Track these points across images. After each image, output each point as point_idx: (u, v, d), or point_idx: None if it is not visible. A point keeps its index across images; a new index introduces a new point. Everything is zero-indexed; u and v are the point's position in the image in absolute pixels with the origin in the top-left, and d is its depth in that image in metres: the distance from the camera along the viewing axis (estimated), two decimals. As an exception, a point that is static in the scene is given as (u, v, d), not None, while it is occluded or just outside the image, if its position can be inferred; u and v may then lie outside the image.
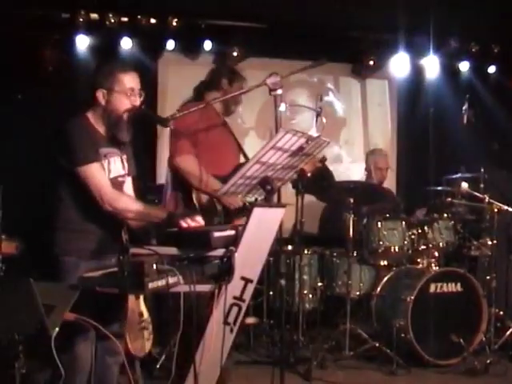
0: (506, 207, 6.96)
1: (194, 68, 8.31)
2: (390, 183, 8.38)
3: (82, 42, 7.98)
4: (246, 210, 5.02)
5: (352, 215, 6.63)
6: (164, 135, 7.19)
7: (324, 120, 4.95)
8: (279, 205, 3.90)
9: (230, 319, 3.78)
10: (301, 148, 3.75)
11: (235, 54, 8.31)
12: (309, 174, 5.92)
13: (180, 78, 8.40)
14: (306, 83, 8.99)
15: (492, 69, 9.43)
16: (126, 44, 8.10)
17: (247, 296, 3.77)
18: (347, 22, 8.40)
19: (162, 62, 8.57)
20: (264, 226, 3.74)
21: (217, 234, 3.50)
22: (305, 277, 6.90)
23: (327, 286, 7.07)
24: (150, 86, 4.06)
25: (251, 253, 3.64)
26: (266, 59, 8.43)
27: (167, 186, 5.21)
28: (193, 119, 4.86)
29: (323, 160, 6.17)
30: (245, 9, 7.96)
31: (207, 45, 8.35)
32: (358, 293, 6.92)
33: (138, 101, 4.00)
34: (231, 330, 3.82)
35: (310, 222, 7.44)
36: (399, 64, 9.10)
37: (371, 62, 9.03)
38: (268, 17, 8.23)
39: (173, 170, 5.07)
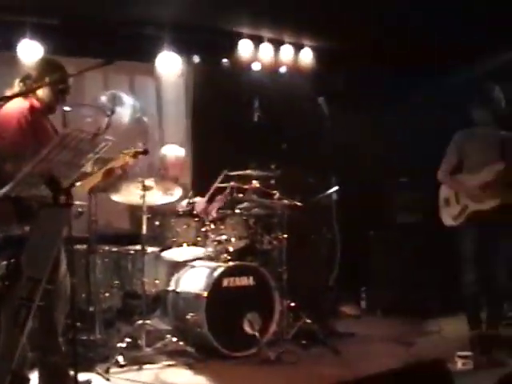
0: (295, 202, 7.24)
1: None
2: (184, 180, 8.46)
3: None
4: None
5: (146, 212, 6.61)
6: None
7: (109, 119, 4.98)
8: (66, 204, 3.86)
9: (19, 320, 3.71)
10: (84, 146, 3.75)
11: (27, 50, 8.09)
12: (119, 171, 5.93)
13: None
14: (101, 81, 8.90)
15: (283, 69, 9.72)
16: None
17: (36, 296, 3.71)
18: (141, 19, 8.39)
19: None
20: (51, 226, 3.70)
21: (3, 235, 3.44)
22: (100, 275, 6.84)
23: (123, 284, 7.02)
24: None
25: (38, 252, 3.59)
26: (59, 57, 8.26)
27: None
28: None
29: (145, 153, 6.21)
30: (35, 2, 7.74)
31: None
32: (153, 289, 6.95)
33: None
34: (21, 332, 3.75)
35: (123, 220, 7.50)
36: (195, 63, 9.20)
37: (166, 60, 9.05)
38: (60, 12, 8.04)
39: None
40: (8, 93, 4.86)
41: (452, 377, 3.28)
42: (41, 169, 3.64)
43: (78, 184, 5.20)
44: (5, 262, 3.51)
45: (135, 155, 6.12)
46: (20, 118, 4.71)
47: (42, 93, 4.94)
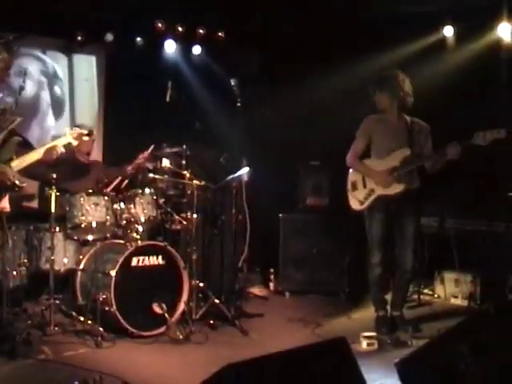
0: (204, 183, 7.28)
1: None
2: (96, 158, 8.43)
3: None
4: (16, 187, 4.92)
5: (55, 191, 6.54)
6: None
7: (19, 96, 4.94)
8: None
9: None
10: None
11: None
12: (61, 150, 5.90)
13: None
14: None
15: (197, 49, 9.73)
16: None
17: None
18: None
19: None
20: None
21: None
22: (8, 253, 6.72)
23: (32, 262, 6.93)
24: None
25: None
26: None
27: None
28: None
29: (89, 134, 6.19)
30: None
31: None
32: (62, 268, 6.91)
33: None
34: None
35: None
36: (108, 41, 9.13)
37: (79, 38, 8.97)
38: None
39: None
40: None
41: (353, 355, 3.37)
42: None
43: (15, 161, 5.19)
44: None
45: (79, 136, 6.10)
46: None
47: None
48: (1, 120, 3.76)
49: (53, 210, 6.51)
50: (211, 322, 6.98)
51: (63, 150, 5.84)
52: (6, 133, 4.05)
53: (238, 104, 7.24)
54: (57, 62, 9.29)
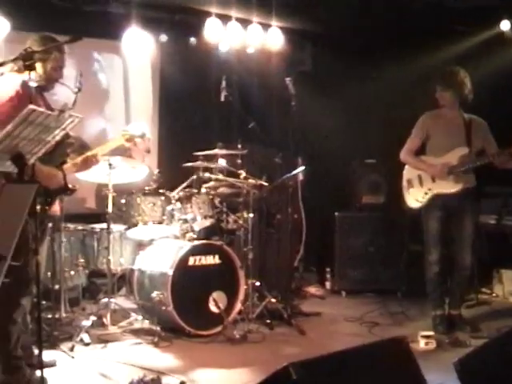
0: (261, 182, 7.26)
1: None
2: (151, 158, 8.45)
3: None
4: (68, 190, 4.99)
5: (112, 191, 6.60)
6: None
7: (77, 96, 4.98)
8: (31, 181, 3.85)
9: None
10: (51, 123, 3.74)
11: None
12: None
13: None
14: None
15: (251, 49, 9.71)
16: None
17: (0, 273, 3.70)
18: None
19: None
20: (16, 202, 3.68)
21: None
22: (66, 253, 6.80)
23: (89, 263, 7.02)
24: None
25: (3, 229, 3.58)
26: (24, 33, 8.18)
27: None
28: None
29: (142, 136, 6.25)
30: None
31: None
32: (119, 268, 6.97)
33: None
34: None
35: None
36: (162, 42, 9.17)
37: (134, 39, 9.00)
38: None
39: None
40: (7, 68, 4.87)
41: (413, 355, 3.32)
42: (6, 145, 3.62)
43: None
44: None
45: (131, 138, 6.16)
46: (11, 92, 4.74)
47: (39, 68, 4.92)
48: (59, 120, 3.78)
49: (110, 210, 6.58)
50: (268, 321, 6.96)
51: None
52: (63, 134, 4.07)
53: (293, 102, 7.21)
54: (111, 64, 9.35)
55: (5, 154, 3.67)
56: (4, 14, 7.88)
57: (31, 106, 3.52)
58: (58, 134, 3.98)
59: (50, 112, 3.65)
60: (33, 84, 4.73)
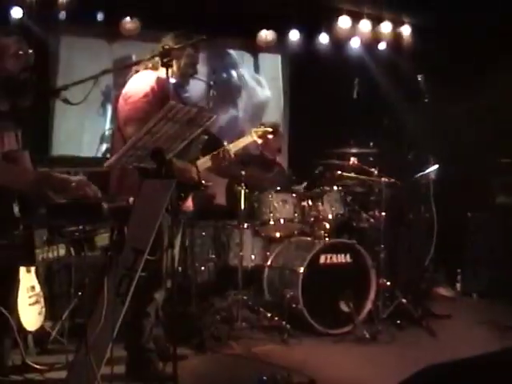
0: (393, 180, 7.15)
1: (86, 39, 8.25)
2: (282, 156, 8.47)
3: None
4: (202, 186, 5.08)
5: (244, 187, 6.65)
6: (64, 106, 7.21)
7: (214, 93, 5.00)
8: (169, 176, 3.89)
9: (122, 290, 3.76)
10: (192, 119, 3.77)
11: (128, 25, 8.24)
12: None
13: (72, 49, 8.32)
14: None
15: (382, 45, 9.61)
16: (17, 13, 7.91)
17: (138, 267, 3.76)
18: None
19: (54, 32, 8.40)
20: (154, 198, 3.73)
21: (108, 206, 3.47)
22: (197, 248, 6.88)
23: (219, 258, 7.10)
24: (40, 56, 3.96)
25: (142, 224, 3.63)
26: (158, 31, 8.34)
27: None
28: None
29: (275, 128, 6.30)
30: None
31: (100, 16, 8.24)
32: (250, 264, 6.96)
33: (29, 60, 3.89)
34: (122, 302, 3.81)
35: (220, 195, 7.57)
36: (292, 39, 9.19)
37: (265, 37, 9.06)
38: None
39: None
40: (142, 66, 4.98)
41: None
42: (146, 141, 3.66)
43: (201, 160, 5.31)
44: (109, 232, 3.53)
45: (263, 135, 6.20)
46: (146, 89, 4.86)
47: (174, 65, 5.00)
48: (199, 117, 3.81)
49: (242, 206, 6.61)
50: (398, 321, 6.85)
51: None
52: (200, 130, 4.10)
53: (426, 100, 7.08)
54: (243, 62, 9.42)
55: (145, 149, 3.71)
56: (134, 13, 8.08)
57: (172, 103, 3.54)
58: (196, 131, 4.01)
59: (190, 108, 3.66)
60: (172, 80, 4.78)
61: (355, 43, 9.45)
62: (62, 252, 3.21)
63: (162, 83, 4.86)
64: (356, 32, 9.33)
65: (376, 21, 9.30)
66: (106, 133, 8.78)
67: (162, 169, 3.77)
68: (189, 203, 5.38)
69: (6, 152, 3.86)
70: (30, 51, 3.93)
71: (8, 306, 3.84)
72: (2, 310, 3.61)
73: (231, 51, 9.33)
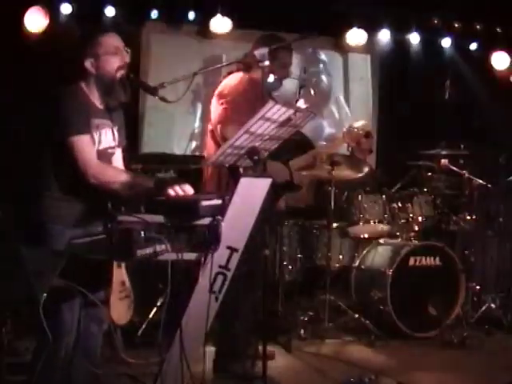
0: (484, 183, 7.05)
1: (177, 37, 8.35)
2: (371, 156, 8.41)
3: (66, 11, 7.90)
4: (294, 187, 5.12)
5: (333, 188, 6.63)
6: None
7: (312, 92, 5.00)
8: (265, 175, 3.91)
9: (216, 288, 3.79)
10: (288, 119, 3.78)
11: (219, 25, 8.31)
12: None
13: (163, 48, 8.43)
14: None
15: (474, 46, 9.46)
16: (110, 12, 8.06)
17: (232, 265, 3.79)
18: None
19: (146, 31, 8.52)
20: (250, 196, 3.76)
21: (204, 203, 3.50)
22: (285, 248, 6.88)
23: (307, 258, 7.05)
24: (133, 54, 4.02)
25: (237, 222, 3.65)
26: (251, 30, 8.39)
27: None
28: None
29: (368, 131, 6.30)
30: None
31: (191, 15, 8.34)
32: (337, 265, 6.95)
33: (126, 58, 3.95)
34: (216, 299, 3.84)
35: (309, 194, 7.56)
36: (382, 39, 9.12)
37: (354, 36, 9.01)
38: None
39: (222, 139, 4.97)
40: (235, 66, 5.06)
41: None
42: (243, 141, 3.69)
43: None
44: (204, 230, 3.56)
45: (356, 137, 6.19)
46: (241, 89, 4.95)
47: (268, 67, 5.04)
48: (295, 118, 3.82)
49: (332, 206, 6.60)
50: (486, 327, 6.74)
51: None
52: (295, 131, 4.12)
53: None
54: (332, 61, 9.39)
55: (241, 149, 3.74)
56: (226, 13, 8.14)
57: (271, 102, 3.56)
58: (291, 131, 4.02)
59: (287, 108, 3.67)
60: (271, 79, 4.81)
61: (446, 43, 9.32)
62: (159, 248, 3.24)
63: (255, 84, 4.89)
64: (447, 31, 9.21)
65: (468, 19, 9.16)
66: (196, 131, 8.87)
67: (256, 167, 3.81)
68: (281, 203, 5.40)
69: (102, 149, 3.94)
70: (127, 49, 3.99)
71: (101, 299, 3.91)
72: (98, 302, 3.68)
73: (323, 56, 9.30)
